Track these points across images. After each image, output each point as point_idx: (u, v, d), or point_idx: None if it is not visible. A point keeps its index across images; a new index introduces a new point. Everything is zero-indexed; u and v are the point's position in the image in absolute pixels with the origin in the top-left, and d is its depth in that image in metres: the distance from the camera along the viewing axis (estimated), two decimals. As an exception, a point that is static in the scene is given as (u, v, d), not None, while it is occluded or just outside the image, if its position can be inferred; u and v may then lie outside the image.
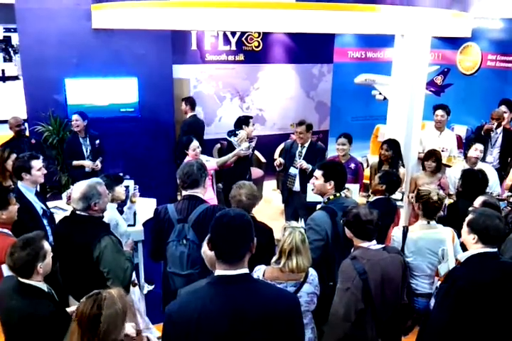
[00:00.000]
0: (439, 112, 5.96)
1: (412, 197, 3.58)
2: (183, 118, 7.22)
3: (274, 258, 2.95)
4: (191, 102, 7.11)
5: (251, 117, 6.11)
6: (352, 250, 2.96)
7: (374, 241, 2.92)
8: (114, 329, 2.15)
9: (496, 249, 2.70)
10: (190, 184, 3.35)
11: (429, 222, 3.44)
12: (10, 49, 23.81)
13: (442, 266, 3.25)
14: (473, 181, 4.12)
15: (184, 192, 3.40)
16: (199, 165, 3.42)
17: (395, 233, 3.48)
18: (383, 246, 2.97)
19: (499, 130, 6.12)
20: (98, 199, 3.11)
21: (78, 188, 3.11)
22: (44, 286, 2.67)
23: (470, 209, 2.93)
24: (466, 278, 2.61)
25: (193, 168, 3.36)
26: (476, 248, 2.70)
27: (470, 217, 2.76)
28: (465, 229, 2.76)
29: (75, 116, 5.89)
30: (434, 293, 2.90)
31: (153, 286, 4.98)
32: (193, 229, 3.20)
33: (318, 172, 3.51)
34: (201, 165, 3.45)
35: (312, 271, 2.98)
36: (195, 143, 5.13)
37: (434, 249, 3.34)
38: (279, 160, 5.50)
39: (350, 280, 2.76)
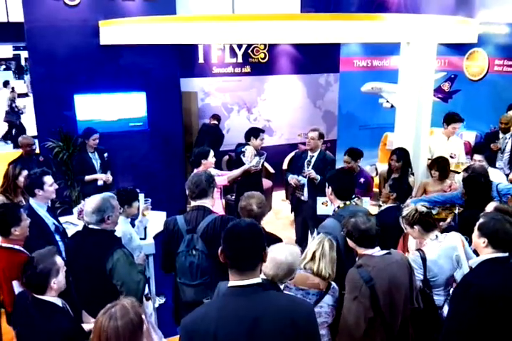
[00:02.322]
0: (458, 125, 5.91)
1: (405, 228, 3.47)
2: (198, 126, 7.48)
3: (299, 260, 2.92)
4: (217, 117, 7.96)
5: (262, 131, 5.99)
6: (357, 259, 2.97)
7: (377, 248, 2.92)
8: (134, 339, 2.15)
9: (507, 254, 2.67)
10: (199, 194, 3.37)
11: (436, 236, 3.32)
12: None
13: (458, 273, 3.21)
14: (476, 186, 4.08)
15: (193, 203, 3.42)
16: (207, 175, 3.45)
17: (413, 260, 3.25)
18: (387, 251, 2.96)
19: (508, 135, 6.08)
20: (111, 212, 3.15)
21: (92, 201, 3.15)
22: (58, 301, 2.68)
23: (481, 214, 2.90)
24: (478, 284, 2.59)
25: (201, 177, 3.39)
26: (486, 252, 2.69)
27: (481, 220, 2.75)
28: (476, 232, 2.75)
29: (96, 135, 5.94)
30: (447, 300, 2.86)
31: (164, 300, 4.97)
32: (202, 239, 3.21)
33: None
34: (209, 175, 3.48)
35: (334, 285, 2.99)
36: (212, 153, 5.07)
37: (452, 260, 3.26)
38: (295, 180, 5.41)
39: (358, 289, 2.75)
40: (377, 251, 2.90)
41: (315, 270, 2.89)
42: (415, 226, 3.33)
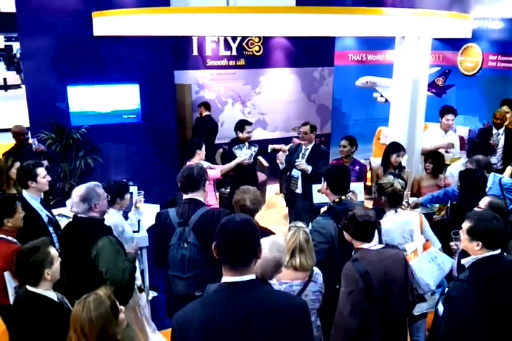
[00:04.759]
0: (451, 117, 5.89)
1: (374, 192, 3.62)
2: (191, 119, 7.43)
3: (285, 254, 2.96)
4: (207, 105, 7.71)
5: (247, 123, 5.83)
6: (353, 253, 2.97)
7: (374, 242, 2.94)
8: (108, 328, 2.18)
9: (499, 250, 2.64)
10: (190, 187, 3.37)
11: (396, 211, 3.52)
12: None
13: (409, 245, 3.32)
14: (472, 180, 4.10)
15: (185, 196, 3.41)
16: (199, 168, 3.45)
17: None
18: (383, 245, 2.99)
19: (501, 130, 6.09)
20: (97, 200, 3.19)
21: (77, 192, 3.19)
22: (53, 295, 2.65)
23: (466, 216, 2.81)
24: (477, 286, 2.56)
25: (192, 171, 3.39)
26: (480, 253, 2.64)
27: (468, 224, 2.67)
28: (465, 237, 2.69)
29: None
30: (441, 299, 2.84)
31: (157, 293, 4.96)
32: (194, 232, 3.21)
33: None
34: (201, 168, 3.48)
35: (316, 270, 3.03)
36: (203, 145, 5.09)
37: (404, 232, 3.42)
38: (280, 156, 5.43)
39: (354, 282, 2.76)
40: (373, 245, 2.92)
41: (297, 266, 2.92)
42: (383, 197, 3.54)
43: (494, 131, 6.14)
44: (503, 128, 6.09)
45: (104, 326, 2.17)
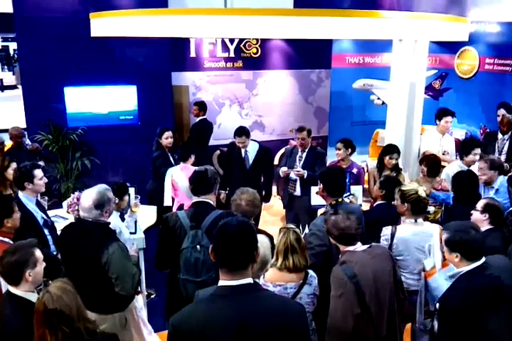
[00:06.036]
0: (450, 119, 5.90)
1: (396, 199, 3.57)
2: (189, 120, 7.36)
3: (273, 260, 2.99)
4: (203, 106, 7.40)
5: (238, 134, 5.80)
6: (340, 256, 2.97)
7: (359, 243, 2.93)
8: (82, 310, 2.19)
9: (480, 262, 2.61)
10: (204, 189, 3.34)
11: (416, 220, 3.46)
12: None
13: (428, 261, 3.27)
14: (462, 181, 4.12)
15: (195, 199, 3.37)
16: (212, 171, 3.42)
17: (384, 233, 3.46)
18: (368, 245, 2.98)
19: (507, 136, 6.06)
20: (109, 206, 3.13)
21: (89, 196, 3.09)
22: (34, 297, 2.60)
23: (443, 228, 2.80)
24: (463, 301, 2.55)
25: (206, 173, 3.36)
26: (462, 266, 2.63)
27: (445, 235, 2.68)
28: (445, 248, 2.70)
29: (168, 133, 5.65)
30: (435, 316, 2.83)
31: (154, 295, 4.95)
32: (207, 235, 3.16)
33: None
34: (213, 171, 3.45)
35: (311, 273, 3.01)
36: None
37: (422, 245, 3.36)
38: (284, 169, 5.50)
39: (342, 286, 2.76)
40: (358, 247, 2.92)
41: (291, 267, 2.91)
42: (406, 204, 3.45)
43: (500, 136, 6.12)
44: (509, 133, 6.07)
45: (79, 308, 2.17)
